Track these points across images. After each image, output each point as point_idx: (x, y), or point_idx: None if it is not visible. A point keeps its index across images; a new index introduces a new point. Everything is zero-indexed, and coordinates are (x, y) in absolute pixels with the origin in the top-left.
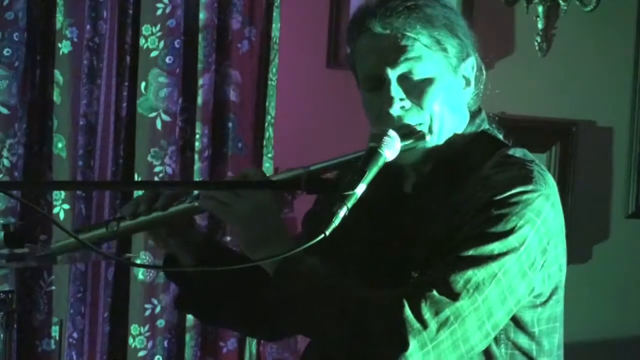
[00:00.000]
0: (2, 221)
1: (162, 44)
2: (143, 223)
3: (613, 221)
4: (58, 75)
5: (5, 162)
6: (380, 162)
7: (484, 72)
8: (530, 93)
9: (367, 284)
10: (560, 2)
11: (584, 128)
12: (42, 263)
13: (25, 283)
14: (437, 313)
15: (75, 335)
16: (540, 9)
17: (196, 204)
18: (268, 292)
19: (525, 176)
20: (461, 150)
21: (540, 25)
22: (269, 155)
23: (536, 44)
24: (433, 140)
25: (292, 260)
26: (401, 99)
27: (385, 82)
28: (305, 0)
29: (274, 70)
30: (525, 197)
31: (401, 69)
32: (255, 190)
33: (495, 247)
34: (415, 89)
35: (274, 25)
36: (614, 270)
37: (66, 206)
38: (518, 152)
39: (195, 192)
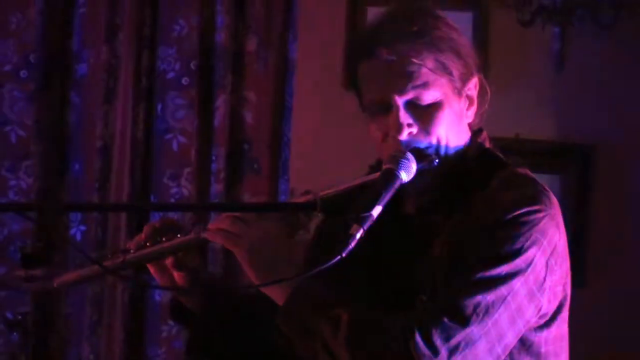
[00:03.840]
0: (19, 243)
1: (178, 65)
2: (149, 255)
3: (632, 243)
4: (74, 97)
5: (22, 183)
6: (397, 184)
7: (488, 90)
8: (546, 114)
9: (372, 306)
10: (576, 22)
11: (600, 149)
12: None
13: (41, 304)
14: (448, 339)
15: (91, 357)
16: (555, 29)
17: (203, 235)
18: (277, 324)
19: (531, 196)
20: (464, 169)
21: (555, 46)
22: (285, 176)
23: (552, 64)
24: (441, 163)
25: (303, 287)
26: (409, 125)
27: (392, 108)
28: (321, 21)
29: (290, 91)
30: (531, 217)
31: (408, 95)
32: (266, 216)
33: (503, 269)
34: (423, 115)
35: (289, 47)
36: (631, 292)
37: (82, 227)
38: (521, 171)
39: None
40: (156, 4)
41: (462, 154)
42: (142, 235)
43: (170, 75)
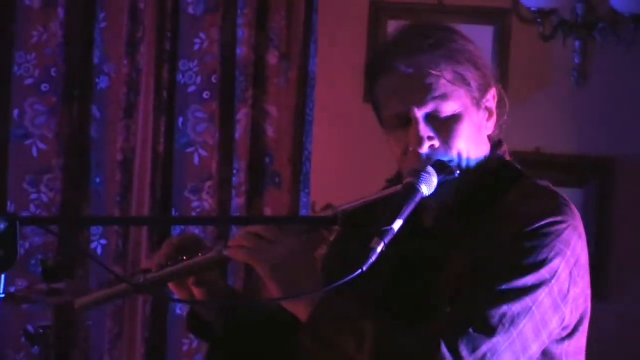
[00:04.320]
0: (40, 257)
1: (199, 79)
2: (170, 274)
3: None
4: (95, 111)
5: (44, 197)
6: (418, 198)
7: (507, 102)
8: (567, 128)
9: (393, 319)
10: (597, 36)
11: (621, 162)
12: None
13: (62, 318)
14: (474, 350)
15: None
16: (576, 43)
17: (225, 253)
18: (300, 340)
19: (554, 207)
20: (485, 181)
21: (576, 60)
22: (306, 190)
23: (573, 78)
24: (461, 175)
25: (326, 302)
26: (429, 138)
27: (412, 121)
28: (342, 34)
29: (311, 105)
30: (555, 228)
31: (428, 108)
32: (287, 231)
33: (528, 280)
34: (443, 128)
35: (310, 61)
36: None
37: (104, 241)
38: (541, 183)
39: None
40: (177, 17)
41: (482, 166)
42: (162, 253)
43: (192, 88)
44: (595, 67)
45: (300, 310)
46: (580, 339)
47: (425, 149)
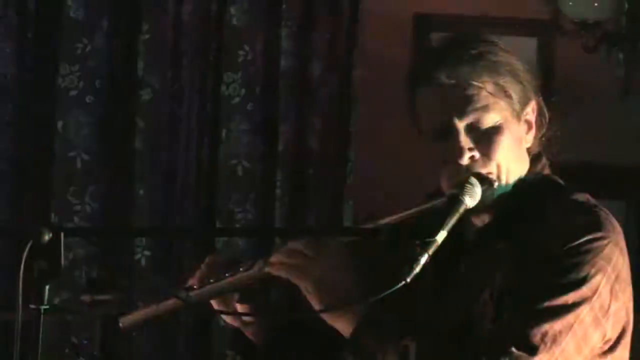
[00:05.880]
0: (84, 268)
1: (243, 91)
2: (213, 291)
3: None
4: (139, 122)
5: (87, 208)
6: (461, 210)
7: (547, 115)
8: (610, 140)
9: (434, 333)
10: None
11: None
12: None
13: (106, 329)
14: None
15: None
16: (620, 55)
17: (267, 269)
18: (343, 356)
19: (595, 223)
20: (524, 195)
21: (620, 72)
22: (350, 201)
23: (616, 90)
24: (501, 187)
25: (369, 317)
26: (470, 149)
27: (452, 132)
28: (387, 42)
29: (355, 116)
30: (596, 244)
31: (469, 119)
32: (330, 244)
33: (569, 297)
34: (483, 139)
35: (354, 72)
36: None
37: (147, 253)
38: (582, 197)
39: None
40: (221, 29)
41: (522, 180)
42: (204, 270)
43: (235, 100)
44: (639, 78)
45: (343, 325)
46: (623, 352)
47: (465, 160)
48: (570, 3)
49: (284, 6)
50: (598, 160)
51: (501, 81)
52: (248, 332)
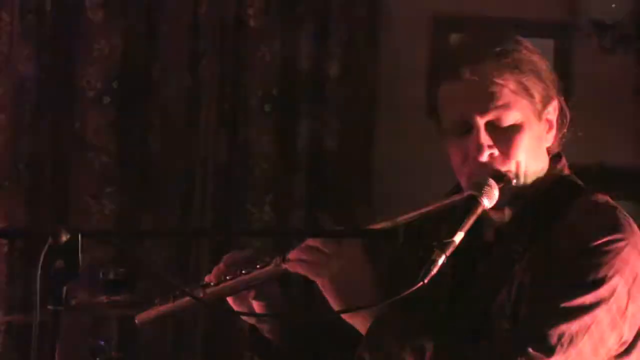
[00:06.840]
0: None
1: (260, 92)
2: (229, 288)
3: None
4: (157, 123)
5: (105, 209)
6: (479, 211)
7: (567, 114)
8: (629, 141)
9: (451, 333)
10: None
11: None
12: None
13: (123, 330)
14: None
15: None
16: (638, 56)
17: (284, 266)
18: (359, 353)
19: (613, 224)
20: (543, 195)
21: (638, 73)
22: (367, 202)
23: (634, 91)
24: (519, 184)
25: (386, 316)
26: (489, 146)
27: (473, 129)
28: (405, 44)
29: (373, 118)
30: (614, 246)
31: (490, 116)
32: (347, 243)
33: (586, 298)
34: (503, 137)
35: (372, 73)
36: None
37: (164, 253)
38: (601, 198)
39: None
40: (238, 30)
41: (541, 180)
42: (221, 267)
43: (252, 101)
44: None
45: (359, 323)
46: (639, 355)
47: (484, 157)
48: (588, 5)
49: (302, 7)
50: (616, 161)
51: (524, 79)
52: (264, 328)
